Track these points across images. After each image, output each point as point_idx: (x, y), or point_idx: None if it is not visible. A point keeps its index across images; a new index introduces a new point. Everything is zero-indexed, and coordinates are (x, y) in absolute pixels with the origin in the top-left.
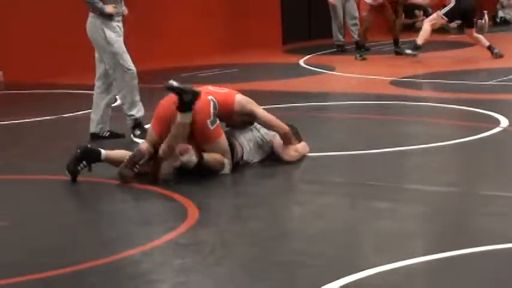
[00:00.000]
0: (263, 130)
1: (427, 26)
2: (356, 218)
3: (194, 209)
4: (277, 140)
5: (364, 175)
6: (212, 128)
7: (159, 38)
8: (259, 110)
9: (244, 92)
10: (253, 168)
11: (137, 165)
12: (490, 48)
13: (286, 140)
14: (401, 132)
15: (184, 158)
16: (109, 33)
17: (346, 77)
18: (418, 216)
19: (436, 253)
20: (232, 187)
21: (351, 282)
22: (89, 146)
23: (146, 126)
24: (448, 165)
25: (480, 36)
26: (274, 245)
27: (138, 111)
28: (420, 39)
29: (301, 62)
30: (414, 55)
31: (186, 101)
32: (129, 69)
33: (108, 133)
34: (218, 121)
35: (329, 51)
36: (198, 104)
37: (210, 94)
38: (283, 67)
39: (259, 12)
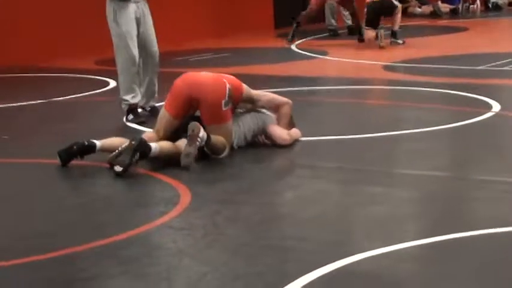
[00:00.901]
0: (260, 118)
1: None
2: (348, 202)
3: (186, 192)
4: (271, 124)
5: (357, 160)
6: (225, 109)
7: (154, 24)
8: (260, 93)
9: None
10: (245, 153)
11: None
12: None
13: (287, 118)
14: (393, 117)
15: (200, 134)
16: (119, 14)
17: (339, 61)
18: (410, 200)
19: (428, 237)
20: (225, 171)
21: (342, 267)
22: (85, 143)
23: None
24: (440, 150)
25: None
26: (266, 229)
27: (133, 98)
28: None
29: (294, 47)
30: (403, 42)
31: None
32: (130, 55)
33: (150, 108)
34: (230, 104)
35: (321, 35)
36: (213, 83)
37: (224, 78)
38: (275, 51)
39: None
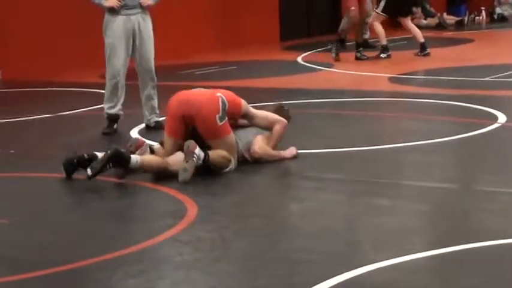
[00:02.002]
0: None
1: (378, 27)
2: (355, 214)
3: (193, 205)
4: (258, 144)
5: (363, 172)
6: (221, 123)
7: (156, 35)
8: (256, 110)
9: (242, 90)
10: (252, 165)
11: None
12: (422, 45)
13: (277, 136)
14: (400, 129)
15: (196, 151)
16: (108, 26)
17: (345, 74)
18: (417, 212)
19: (436, 249)
20: (231, 184)
21: (350, 279)
22: (85, 156)
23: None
24: (446, 162)
25: (416, 29)
26: (274, 241)
27: (110, 108)
28: (383, 40)
29: (299, 59)
30: (388, 56)
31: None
32: (111, 67)
33: (154, 123)
34: (226, 118)
35: (327, 48)
36: (205, 99)
37: (220, 92)
38: (281, 64)
39: (257, 8)
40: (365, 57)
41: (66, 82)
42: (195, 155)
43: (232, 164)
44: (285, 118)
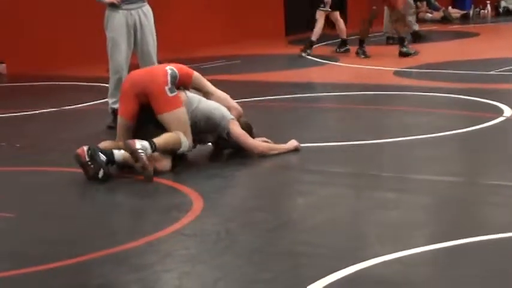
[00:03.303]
0: (211, 106)
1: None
2: (360, 208)
3: (198, 199)
4: (235, 127)
5: (368, 165)
6: (171, 95)
7: (161, 29)
8: (216, 89)
9: (247, 84)
10: (255, 159)
11: (88, 164)
12: (343, 41)
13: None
14: (404, 123)
15: (138, 146)
16: (111, 20)
17: (350, 67)
18: (423, 206)
19: (441, 242)
20: (236, 177)
21: (355, 272)
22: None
23: None
24: (452, 155)
25: (343, 25)
26: (278, 235)
27: (114, 103)
28: (315, 36)
29: (304, 53)
30: (346, 50)
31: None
32: (113, 62)
33: None
34: (177, 91)
35: (332, 41)
36: (154, 73)
37: (171, 65)
38: (286, 58)
39: (263, 2)
40: (364, 56)
41: (71, 76)
42: (140, 151)
43: (186, 144)
44: (246, 130)
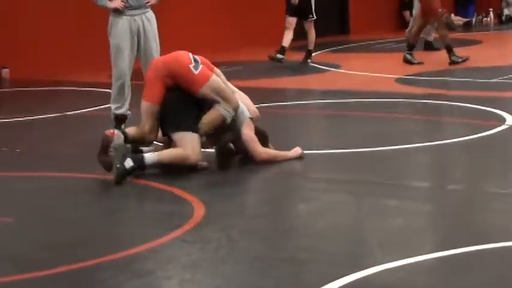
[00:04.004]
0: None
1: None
2: (362, 215)
3: (200, 206)
4: (247, 129)
5: (370, 173)
6: (197, 72)
7: (164, 35)
8: (234, 87)
9: (249, 89)
10: (258, 165)
11: (110, 150)
12: (309, 52)
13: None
14: (406, 130)
15: (115, 143)
16: (115, 26)
17: (352, 74)
18: (425, 213)
19: (443, 250)
20: (238, 184)
21: (357, 280)
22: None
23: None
24: (454, 163)
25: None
26: (280, 241)
27: (117, 109)
28: (310, 44)
29: (309, 60)
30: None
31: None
32: (117, 68)
33: None
34: (201, 65)
35: (334, 48)
36: (176, 55)
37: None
38: (288, 64)
39: (264, 8)
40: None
41: (74, 81)
42: (111, 149)
43: (229, 111)
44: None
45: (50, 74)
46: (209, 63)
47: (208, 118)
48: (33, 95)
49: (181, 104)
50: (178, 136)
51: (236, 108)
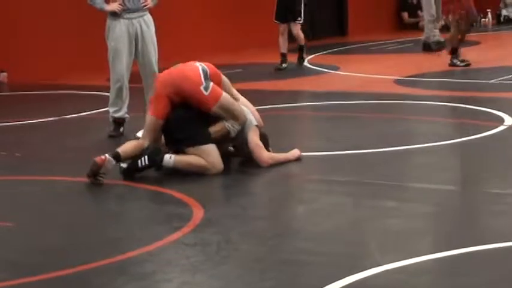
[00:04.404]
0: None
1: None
2: (361, 216)
3: (199, 208)
4: (253, 136)
5: (369, 174)
6: (207, 93)
7: (162, 38)
8: (239, 95)
9: (249, 92)
10: (257, 168)
11: (100, 175)
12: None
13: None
14: (406, 131)
15: (105, 169)
16: (112, 30)
17: (350, 76)
18: (424, 214)
19: (442, 251)
20: (237, 187)
21: (356, 281)
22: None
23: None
24: (452, 164)
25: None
26: (279, 243)
27: (115, 112)
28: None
29: (305, 62)
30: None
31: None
32: (114, 72)
33: None
34: (211, 84)
35: (332, 50)
36: (186, 74)
37: (196, 63)
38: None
39: (263, 11)
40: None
41: (72, 85)
42: (101, 175)
43: (235, 128)
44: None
45: (48, 77)
46: (216, 71)
47: (214, 131)
48: (32, 98)
49: (192, 119)
50: (198, 150)
51: (243, 123)
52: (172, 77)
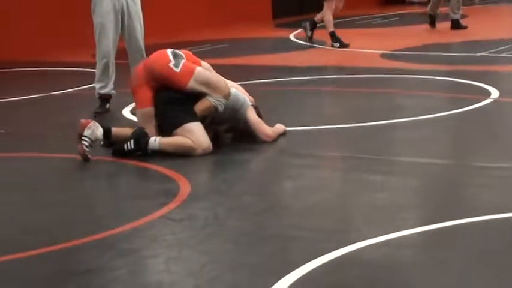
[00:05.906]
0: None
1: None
2: (347, 191)
3: (186, 184)
4: (252, 114)
5: (355, 148)
6: (178, 69)
7: (147, 14)
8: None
9: (233, 67)
10: (245, 143)
11: (83, 139)
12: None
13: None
14: (392, 105)
15: (87, 132)
16: (99, 6)
17: (336, 51)
18: (410, 188)
19: (428, 224)
20: (223, 162)
21: (343, 255)
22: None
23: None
24: (439, 137)
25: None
26: (266, 219)
27: (102, 88)
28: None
29: (292, 37)
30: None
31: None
32: (100, 47)
33: None
34: (183, 60)
35: (318, 25)
36: (154, 57)
37: (167, 50)
38: (273, 41)
39: None
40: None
41: (57, 62)
42: (83, 138)
43: (221, 101)
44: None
45: (34, 54)
46: (195, 57)
47: (199, 108)
48: (17, 76)
49: (174, 103)
50: (183, 130)
51: (227, 96)
52: (145, 65)
